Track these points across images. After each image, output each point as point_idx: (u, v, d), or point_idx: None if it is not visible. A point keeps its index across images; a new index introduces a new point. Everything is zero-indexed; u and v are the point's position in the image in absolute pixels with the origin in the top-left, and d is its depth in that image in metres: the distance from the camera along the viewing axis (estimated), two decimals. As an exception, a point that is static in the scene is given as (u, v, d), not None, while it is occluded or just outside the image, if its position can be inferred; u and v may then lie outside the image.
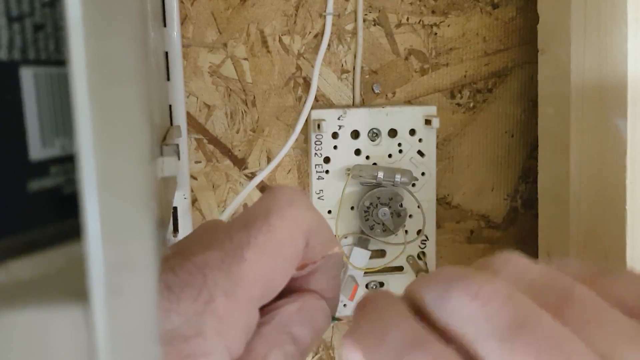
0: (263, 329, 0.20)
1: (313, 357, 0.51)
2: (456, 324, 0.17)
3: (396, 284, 0.50)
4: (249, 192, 0.48)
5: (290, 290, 0.22)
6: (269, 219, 0.20)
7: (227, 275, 0.18)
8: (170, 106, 0.44)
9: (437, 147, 0.49)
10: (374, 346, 0.18)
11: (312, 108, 0.47)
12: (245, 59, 0.47)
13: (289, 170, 0.48)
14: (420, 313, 0.19)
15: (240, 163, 0.48)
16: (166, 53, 0.43)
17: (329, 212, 0.48)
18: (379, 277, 0.49)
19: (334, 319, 0.23)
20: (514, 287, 0.18)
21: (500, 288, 0.17)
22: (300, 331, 0.21)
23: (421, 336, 0.18)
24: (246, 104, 0.47)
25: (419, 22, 0.49)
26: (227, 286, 0.18)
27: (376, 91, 0.49)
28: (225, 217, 0.48)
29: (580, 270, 0.20)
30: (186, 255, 0.19)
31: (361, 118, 0.47)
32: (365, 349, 0.19)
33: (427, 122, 0.47)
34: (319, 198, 0.47)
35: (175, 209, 0.45)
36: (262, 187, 0.48)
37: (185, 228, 0.45)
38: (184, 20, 0.45)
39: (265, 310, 0.21)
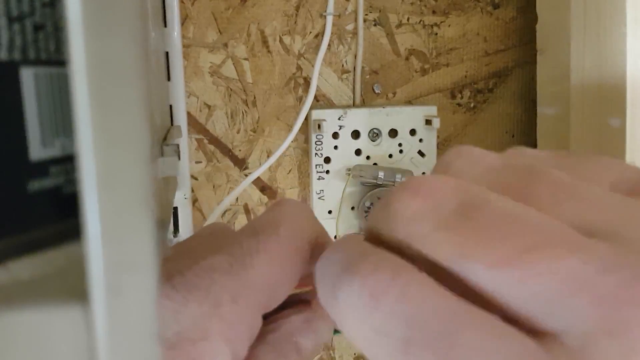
0: (269, 336, 0.21)
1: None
2: (400, 229, 0.16)
3: (396, 284, 0.49)
4: (249, 192, 0.48)
5: (296, 301, 0.23)
6: (278, 229, 0.20)
7: (235, 280, 0.19)
8: (170, 106, 0.44)
9: (437, 147, 0.49)
10: (322, 271, 0.18)
11: (312, 108, 0.47)
12: (245, 59, 0.47)
13: (290, 170, 0.48)
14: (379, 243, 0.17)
15: (240, 163, 0.48)
16: (167, 53, 0.43)
17: (330, 212, 0.48)
18: (380, 277, 0.49)
19: (335, 332, 0.24)
20: (461, 178, 0.16)
21: (444, 180, 0.16)
22: (304, 342, 0.21)
23: (368, 249, 0.16)
24: (247, 104, 0.47)
25: (420, 22, 0.49)
26: (234, 291, 0.19)
27: (377, 91, 0.49)
28: (220, 209, 0.48)
29: (546, 157, 0.17)
30: (194, 257, 0.19)
31: (362, 118, 0.47)
32: (317, 277, 0.18)
33: (428, 122, 0.47)
34: (319, 198, 0.47)
35: (175, 209, 0.45)
36: (263, 187, 0.48)
37: (186, 228, 0.45)
38: (184, 20, 0.45)
39: (271, 318, 0.21)
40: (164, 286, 0.18)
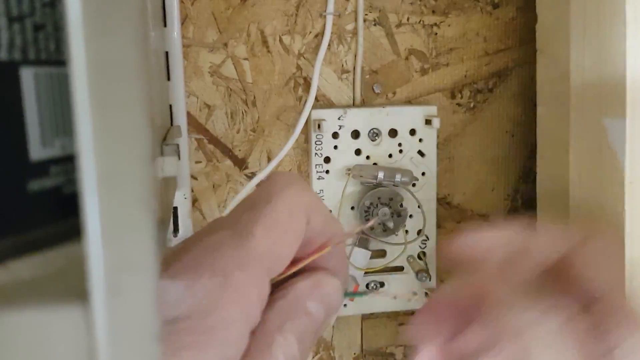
0: (278, 302, 0.22)
1: (313, 358, 0.51)
2: None
3: (397, 284, 0.50)
4: (249, 192, 0.48)
5: (303, 270, 0.24)
6: (271, 199, 0.22)
7: (239, 250, 0.20)
8: (170, 106, 0.44)
9: (437, 147, 0.49)
10: None
11: (312, 108, 0.47)
12: (245, 58, 0.47)
13: (289, 170, 0.48)
14: None
15: (240, 163, 0.48)
16: (166, 53, 0.43)
17: (330, 211, 0.47)
18: (380, 277, 0.49)
19: (346, 294, 0.25)
20: None
21: None
22: (314, 306, 0.22)
23: None
24: (246, 104, 0.47)
25: (420, 22, 0.49)
26: (240, 260, 0.20)
27: (376, 91, 0.49)
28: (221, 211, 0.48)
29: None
30: (198, 238, 0.21)
31: (361, 118, 0.47)
32: None
33: (428, 122, 0.47)
34: (319, 198, 0.47)
35: (175, 209, 0.45)
36: (263, 187, 0.48)
37: (186, 228, 0.45)
38: (184, 20, 0.45)
39: (280, 287, 0.23)
40: (175, 265, 0.19)
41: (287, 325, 0.21)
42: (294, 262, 0.23)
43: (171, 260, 0.20)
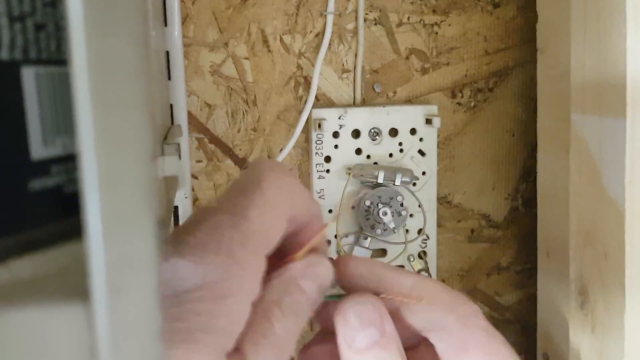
0: (275, 281, 0.24)
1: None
2: None
3: (397, 283, 0.50)
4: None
5: (296, 251, 0.26)
6: (260, 185, 0.24)
7: (237, 231, 0.22)
8: (171, 105, 0.44)
9: (437, 147, 0.49)
10: None
11: (312, 107, 0.47)
12: (246, 58, 0.47)
13: (290, 169, 0.48)
14: None
15: (241, 162, 0.48)
16: (167, 52, 0.43)
17: (330, 211, 0.48)
18: (380, 276, 0.49)
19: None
20: None
21: None
22: (307, 284, 0.25)
23: None
24: (247, 104, 0.47)
25: (420, 22, 0.49)
26: (240, 239, 0.22)
27: (377, 90, 0.49)
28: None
29: None
30: (198, 223, 0.22)
31: (362, 117, 0.47)
32: None
33: (428, 121, 0.47)
34: (319, 197, 0.47)
35: (176, 208, 0.45)
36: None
37: (186, 227, 0.45)
38: (185, 19, 0.45)
39: (275, 267, 0.25)
40: (181, 246, 0.21)
41: (283, 300, 0.24)
42: (289, 249, 0.26)
43: (174, 243, 0.21)
